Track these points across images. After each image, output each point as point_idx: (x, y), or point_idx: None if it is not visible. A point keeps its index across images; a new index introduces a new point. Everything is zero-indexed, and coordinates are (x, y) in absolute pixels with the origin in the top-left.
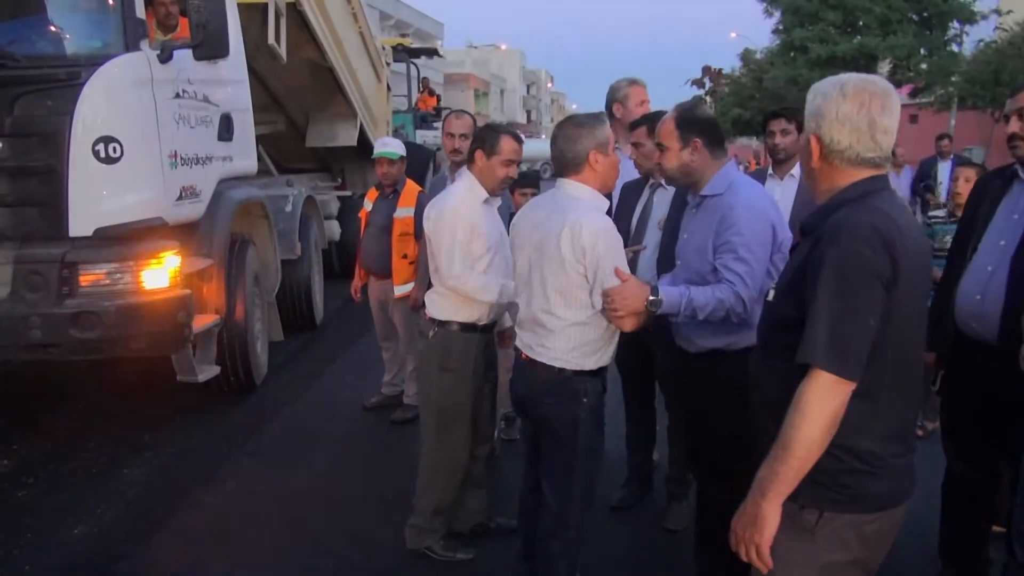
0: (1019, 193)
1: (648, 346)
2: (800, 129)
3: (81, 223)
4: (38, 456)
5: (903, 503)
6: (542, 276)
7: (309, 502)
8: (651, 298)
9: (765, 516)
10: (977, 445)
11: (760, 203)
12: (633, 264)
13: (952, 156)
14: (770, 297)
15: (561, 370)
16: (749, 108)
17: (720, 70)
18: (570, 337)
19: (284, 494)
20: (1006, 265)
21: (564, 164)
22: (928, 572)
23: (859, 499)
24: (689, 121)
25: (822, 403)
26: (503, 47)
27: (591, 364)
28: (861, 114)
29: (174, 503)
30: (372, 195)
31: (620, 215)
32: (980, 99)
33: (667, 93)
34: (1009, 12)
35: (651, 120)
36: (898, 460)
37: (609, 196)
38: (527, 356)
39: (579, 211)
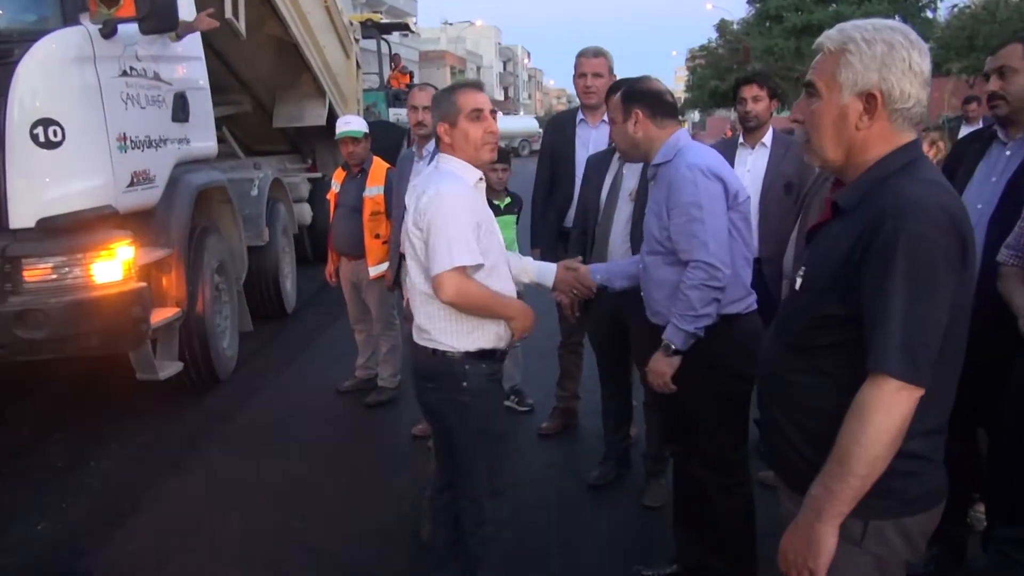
0: (997, 155)
1: (622, 322)
2: (773, 96)
3: (22, 214)
4: (0, 451)
5: (944, 499)
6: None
7: (280, 490)
8: (671, 346)
9: (820, 539)
10: (956, 414)
11: (703, 159)
12: (604, 238)
13: (981, 119)
14: (797, 286)
15: (435, 351)
16: (726, 80)
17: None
18: (433, 314)
19: (254, 483)
20: (983, 229)
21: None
22: None
23: (907, 503)
24: (631, 93)
25: (890, 413)
26: (479, 24)
27: (468, 345)
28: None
29: (141, 495)
30: (339, 176)
31: (586, 187)
32: (954, 64)
33: (645, 66)
34: None
35: (618, 88)
36: (938, 455)
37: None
38: (414, 341)
39: (434, 179)
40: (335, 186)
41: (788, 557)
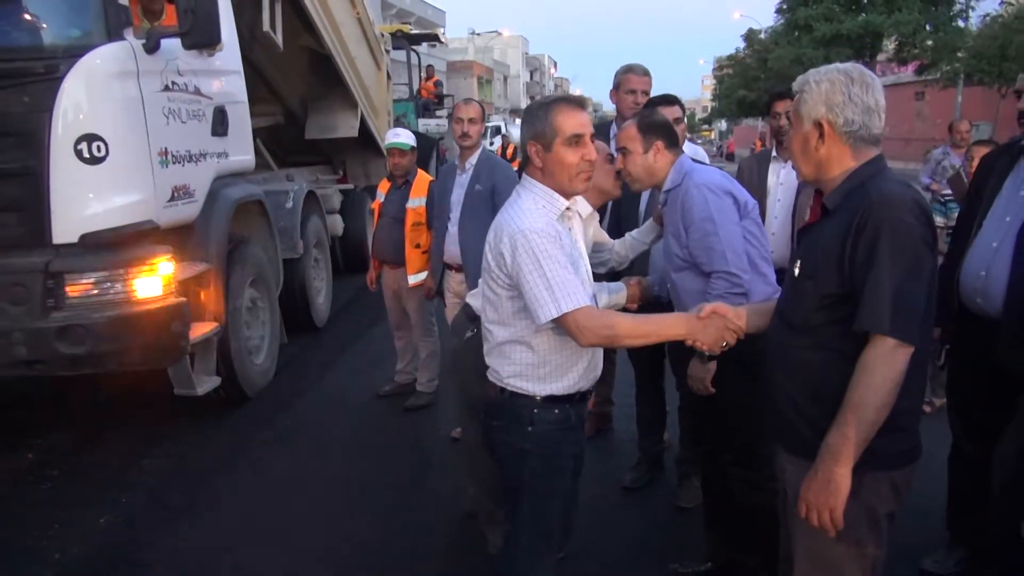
0: None
1: None
2: None
3: (65, 229)
4: (60, 449)
5: (920, 455)
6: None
7: (327, 488)
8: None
9: (839, 481)
10: (982, 422)
11: (710, 178)
12: (646, 254)
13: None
14: (796, 274)
15: (503, 390)
16: (754, 89)
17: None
18: (506, 355)
19: (302, 480)
20: (1011, 241)
21: (524, 158)
22: (936, 544)
23: (898, 456)
24: (649, 126)
25: (891, 366)
26: (506, 33)
27: (539, 391)
28: (868, 95)
29: (195, 491)
30: (384, 186)
31: (626, 207)
32: (987, 75)
33: (671, 74)
34: None
35: (657, 105)
36: (916, 417)
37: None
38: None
39: (512, 211)
40: (380, 196)
41: (809, 500)
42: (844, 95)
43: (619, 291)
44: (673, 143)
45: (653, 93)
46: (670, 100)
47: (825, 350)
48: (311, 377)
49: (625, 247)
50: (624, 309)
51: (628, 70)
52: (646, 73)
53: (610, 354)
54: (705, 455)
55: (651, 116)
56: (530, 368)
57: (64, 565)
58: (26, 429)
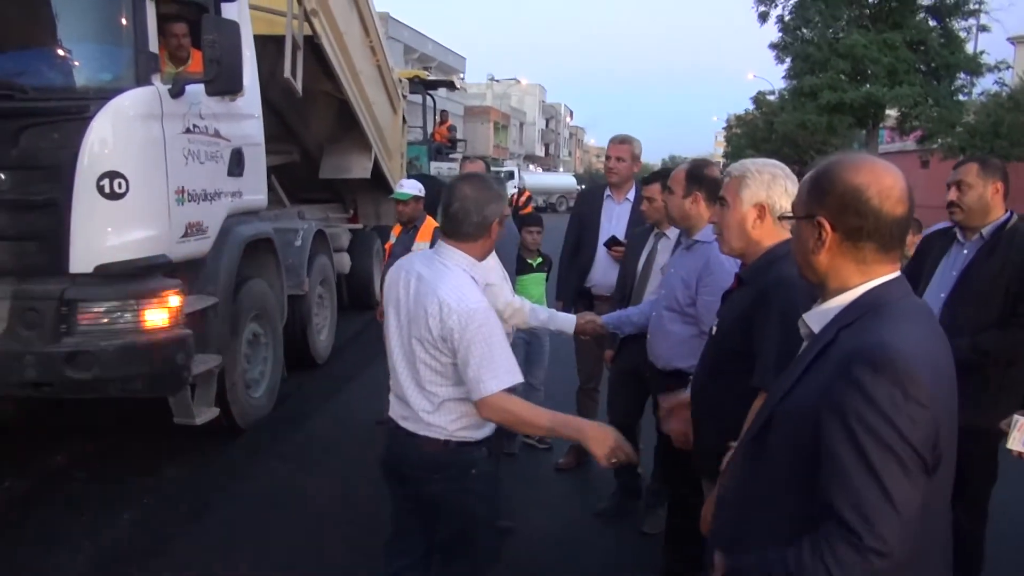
0: (956, 253)
1: (640, 373)
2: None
3: (82, 259)
4: (87, 453)
5: None
6: (412, 348)
7: (333, 499)
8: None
9: None
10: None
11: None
12: (639, 301)
13: None
14: (714, 332)
15: (447, 442)
16: (761, 149)
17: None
18: (451, 410)
19: (311, 492)
20: (941, 311)
21: (465, 228)
22: None
23: None
24: (696, 176)
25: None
26: (524, 81)
27: (479, 435)
28: (793, 188)
29: (210, 497)
30: (396, 230)
31: (627, 259)
32: (980, 150)
33: (685, 129)
34: (1007, 66)
35: (663, 176)
36: None
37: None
38: (405, 427)
39: (450, 285)
40: (392, 238)
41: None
42: (782, 187)
43: (568, 322)
44: (714, 198)
45: (669, 146)
46: (650, 179)
47: (733, 394)
48: (318, 400)
49: (543, 319)
50: (574, 338)
51: (610, 140)
52: (623, 142)
53: (593, 392)
54: (673, 483)
55: (703, 168)
56: (473, 416)
57: (92, 553)
58: (58, 434)
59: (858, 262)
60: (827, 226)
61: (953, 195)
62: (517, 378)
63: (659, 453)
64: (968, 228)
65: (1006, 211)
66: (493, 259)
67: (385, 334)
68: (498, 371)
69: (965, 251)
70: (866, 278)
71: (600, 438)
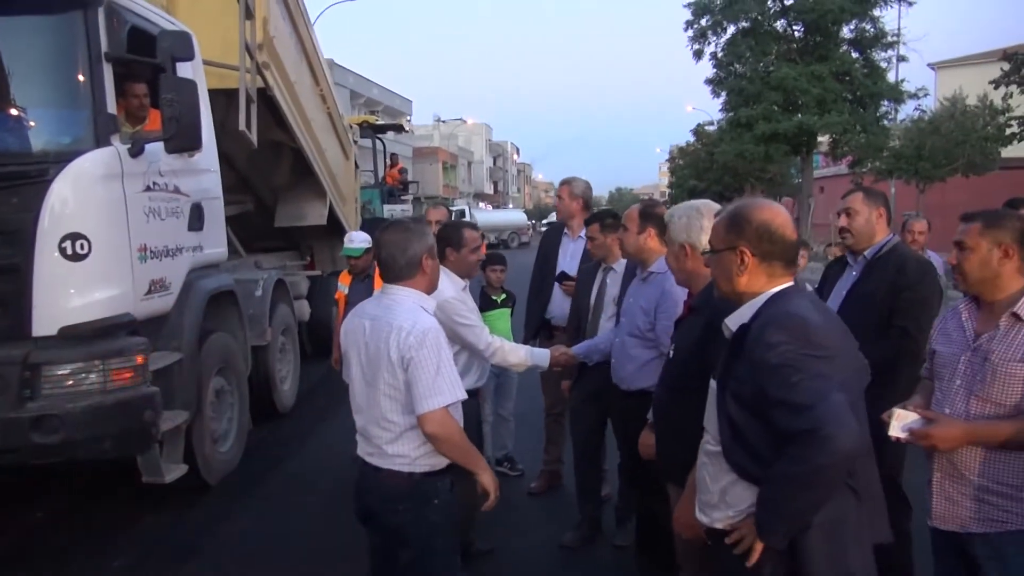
0: (847, 275)
1: (601, 398)
2: None
3: (45, 323)
4: (65, 509)
5: None
6: (374, 384)
7: (318, 535)
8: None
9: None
10: None
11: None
12: (595, 333)
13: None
14: (671, 355)
15: (411, 474)
16: (704, 179)
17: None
18: (413, 438)
19: (296, 528)
20: None
21: (397, 270)
22: None
23: None
24: (648, 214)
25: None
26: (470, 121)
27: (442, 463)
28: (708, 223)
29: (198, 539)
30: (345, 279)
31: (579, 293)
32: (905, 172)
33: (630, 160)
34: (925, 93)
35: (599, 217)
36: None
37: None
38: (372, 463)
39: (404, 314)
40: (343, 288)
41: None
42: (699, 225)
43: (543, 357)
44: (663, 234)
45: (615, 177)
46: (591, 220)
47: (691, 408)
48: (294, 443)
49: (520, 356)
50: (548, 371)
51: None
52: (563, 183)
53: (559, 417)
54: (640, 494)
55: (653, 207)
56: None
57: None
58: (30, 494)
59: (769, 276)
60: (748, 253)
61: (843, 221)
62: (460, 395)
63: (625, 468)
64: (856, 251)
65: (889, 234)
66: (462, 290)
67: (346, 377)
68: (443, 388)
69: (854, 272)
70: (773, 285)
71: (491, 481)
